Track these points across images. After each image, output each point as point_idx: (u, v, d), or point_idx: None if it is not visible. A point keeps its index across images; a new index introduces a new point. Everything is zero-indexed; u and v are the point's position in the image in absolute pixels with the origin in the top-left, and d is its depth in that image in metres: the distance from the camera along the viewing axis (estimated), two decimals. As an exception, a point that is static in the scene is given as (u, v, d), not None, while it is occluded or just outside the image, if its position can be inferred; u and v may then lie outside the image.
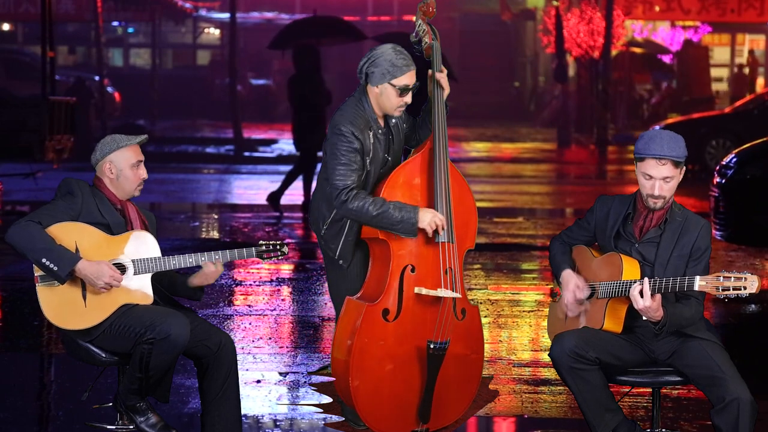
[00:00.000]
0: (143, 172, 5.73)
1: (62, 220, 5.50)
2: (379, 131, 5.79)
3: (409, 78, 5.71)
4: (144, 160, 5.76)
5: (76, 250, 5.47)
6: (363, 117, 5.74)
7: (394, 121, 5.88)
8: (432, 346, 5.72)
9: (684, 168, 5.42)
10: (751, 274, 5.05)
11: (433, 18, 5.86)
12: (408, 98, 5.75)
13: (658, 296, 5.20)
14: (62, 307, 5.48)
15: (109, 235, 5.58)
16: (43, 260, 5.37)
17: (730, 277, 5.04)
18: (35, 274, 5.47)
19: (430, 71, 5.82)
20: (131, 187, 5.70)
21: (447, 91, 5.84)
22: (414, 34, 5.86)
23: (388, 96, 5.73)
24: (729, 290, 5.04)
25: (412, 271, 5.72)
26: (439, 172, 5.71)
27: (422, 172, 5.76)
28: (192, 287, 5.81)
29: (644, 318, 5.27)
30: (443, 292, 5.72)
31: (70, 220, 5.52)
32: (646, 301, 5.17)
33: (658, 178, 5.34)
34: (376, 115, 5.79)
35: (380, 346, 5.74)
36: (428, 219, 5.61)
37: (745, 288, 5.01)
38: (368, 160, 5.72)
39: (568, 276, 5.54)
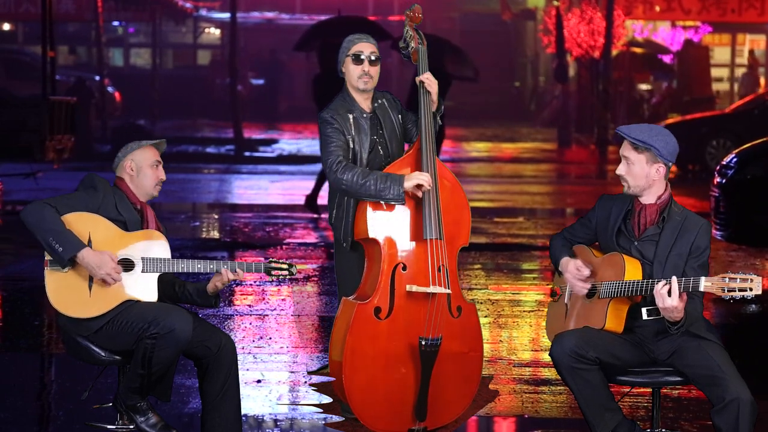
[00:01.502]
0: (162, 173, 5.85)
1: (79, 210, 5.58)
2: (363, 114, 6.11)
3: (360, 47, 6.09)
4: (162, 163, 5.86)
5: (89, 240, 5.54)
6: (343, 105, 6.10)
7: (378, 104, 6.16)
8: (423, 343, 5.80)
9: (662, 165, 5.40)
10: (756, 275, 5.05)
11: (419, 24, 6.11)
12: (366, 67, 6.07)
13: (685, 295, 5.19)
14: (67, 293, 5.53)
15: (124, 231, 5.63)
16: (50, 239, 5.45)
17: (736, 278, 5.03)
18: (45, 258, 5.53)
19: (417, 77, 6.03)
20: (150, 184, 5.80)
21: (435, 92, 6.01)
22: (402, 40, 6.11)
23: (348, 67, 6.11)
24: (735, 291, 5.03)
25: (404, 269, 5.84)
26: (426, 171, 5.87)
27: (411, 171, 5.92)
28: (209, 294, 5.84)
29: (663, 317, 5.24)
30: (434, 289, 5.82)
31: (87, 211, 5.59)
32: (674, 300, 5.15)
33: (621, 156, 5.47)
34: (356, 101, 6.12)
35: (373, 344, 5.82)
36: (414, 179, 5.81)
37: (751, 289, 5.01)
38: (351, 139, 6.03)
39: (566, 261, 5.58)
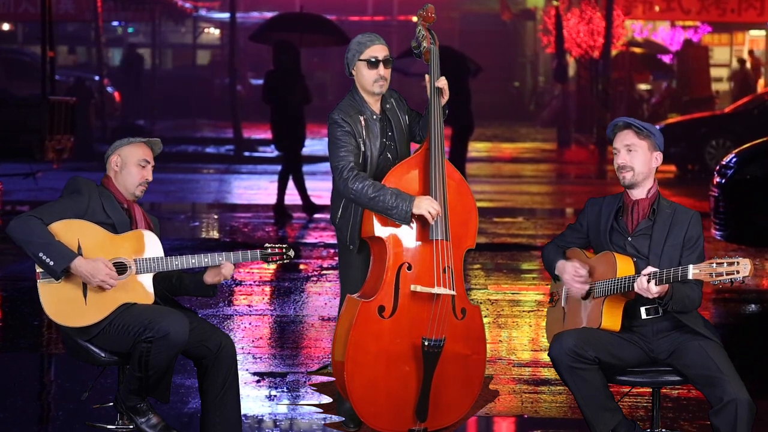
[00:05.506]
0: (148, 174, 5.73)
1: (66, 217, 5.51)
2: (373, 117, 6.05)
3: (374, 50, 6.00)
4: (153, 165, 5.76)
5: (79, 247, 5.47)
6: (353, 106, 6.03)
7: (389, 105, 6.12)
8: (426, 343, 5.82)
9: (660, 153, 5.51)
10: (743, 257, 5.05)
11: (433, 23, 6.06)
12: (382, 70, 5.99)
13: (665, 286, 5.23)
14: (62, 304, 5.48)
15: (113, 234, 5.59)
16: (40, 254, 5.38)
17: (723, 263, 5.04)
18: (37, 270, 5.47)
19: (427, 75, 5.98)
20: (133, 183, 5.70)
21: (446, 95, 6.01)
22: (414, 39, 6.06)
23: (361, 72, 6.02)
24: (722, 275, 5.03)
25: (409, 269, 5.85)
26: (434, 172, 5.87)
27: (419, 171, 5.93)
28: (207, 285, 5.82)
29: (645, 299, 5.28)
30: (438, 290, 5.82)
31: (75, 218, 5.53)
32: (653, 289, 5.18)
33: (621, 147, 5.46)
34: (367, 102, 6.06)
35: (376, 343, 5.83)
36: (424, 204, 5.76)
37: (738, 272, 5.01)
38: (362, 142, 5.97)
39: (562, 263, 5.59)
